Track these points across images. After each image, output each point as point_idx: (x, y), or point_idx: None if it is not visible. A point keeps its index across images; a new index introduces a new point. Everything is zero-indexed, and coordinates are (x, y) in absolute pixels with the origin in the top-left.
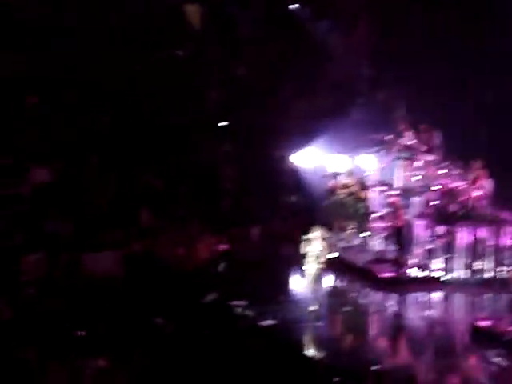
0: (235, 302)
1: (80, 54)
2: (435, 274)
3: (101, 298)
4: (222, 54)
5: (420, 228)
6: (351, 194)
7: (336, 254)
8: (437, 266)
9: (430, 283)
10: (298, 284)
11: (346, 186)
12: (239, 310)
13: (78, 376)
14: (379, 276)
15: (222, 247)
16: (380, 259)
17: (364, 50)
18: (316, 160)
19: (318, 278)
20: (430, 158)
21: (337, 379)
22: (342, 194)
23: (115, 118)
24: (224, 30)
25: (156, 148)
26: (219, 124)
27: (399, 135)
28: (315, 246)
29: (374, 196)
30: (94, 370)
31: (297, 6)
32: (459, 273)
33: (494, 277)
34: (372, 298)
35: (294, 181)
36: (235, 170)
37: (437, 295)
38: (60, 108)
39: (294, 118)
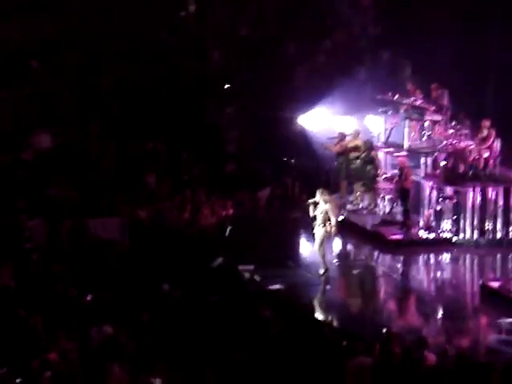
0: (243, 267)
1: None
2: (444, 236)
3: (107, 264)
4: (224, 13)
5: (429, 189)
6: (359, 155)
7: (344, 217)
8: (446, 227)
9: (439, 245)
10: (306, 247)
11: (353, 148)
12: (247, 274)
13: (85, 342)
14: (388, 238)
15: (229, 211)
16: (388, 221)
17: (369, 8)
18: (323, 122)
19: (325, 241)
20: (439, 117)
21: (345, 342)
22: (349, 155)
23: (117, 81)
24: None
25: (160, 112)
26: (223, 86)
27: (407, 95)
28: (322, 208)
29: (381, 157)
30: (100, 336)
31: None
32: (468, 234)
33: (504, 237)
34: (381, 260)
35: (301, 143)
36: (240, 132)
37: (446, 257)
38: (62, 72)
39: (300, 79)
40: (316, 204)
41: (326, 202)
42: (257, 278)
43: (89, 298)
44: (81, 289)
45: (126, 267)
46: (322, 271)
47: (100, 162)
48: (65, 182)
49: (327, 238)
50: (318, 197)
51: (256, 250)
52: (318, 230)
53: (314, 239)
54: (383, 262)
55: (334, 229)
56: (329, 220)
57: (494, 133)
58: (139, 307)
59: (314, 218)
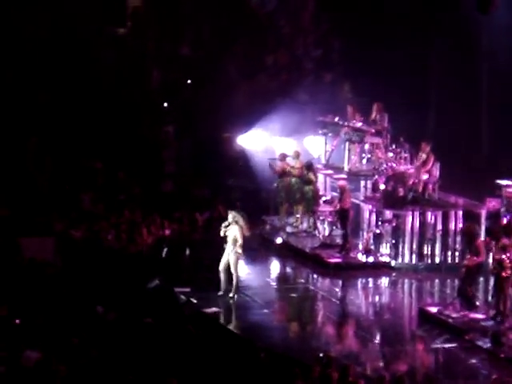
0: (179, 289)
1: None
2: (383, 259)
3: (40, 285)
4: (164, 32)
5: (368, 212)
6: (299, 177)
7: (282, 239)
8: (385, 251)
9: (378, 268)
10: (244, 270)
11: (293, 169)
12: (183, 296)
13: (17, 366)
14: (327, 261)
15: (166, 231)
16: (327, 244)
17: (312, 29)
18: (263, 142)
19: (237, 264)
20: (379, 140)
21: (283, 366)
22: (289, 177)
23: (55, 97)
24: (166, 7)
25: (97, 129)
26: (162, 104)
27: (347, 117)
28: (233, 230)
29: (321, 179)
30: (31, 360)
31: None
32: (407, 258)
33: (442, 262)
34: (319, 283)
35: (241, 163)
36: (179, 151)
37: (385, 281)
38: None
39: (240, 99)
40: (231, 225)
41: (236, 224)
42: (193, 300)
43: (17, 321)
44: (11, 311)
45: (58, 289)
46: (231, 294)
47: (35, 179)
48: None
49: (238, 260)
50: (231, 218)
51: (193, 272)
52: (230, 252)
53: (230, 260)
54: (322, 286)
55: (240, 250)
56: (239, 241)
57: (433, 157)
58: (71, 330)
59: (225, 239)
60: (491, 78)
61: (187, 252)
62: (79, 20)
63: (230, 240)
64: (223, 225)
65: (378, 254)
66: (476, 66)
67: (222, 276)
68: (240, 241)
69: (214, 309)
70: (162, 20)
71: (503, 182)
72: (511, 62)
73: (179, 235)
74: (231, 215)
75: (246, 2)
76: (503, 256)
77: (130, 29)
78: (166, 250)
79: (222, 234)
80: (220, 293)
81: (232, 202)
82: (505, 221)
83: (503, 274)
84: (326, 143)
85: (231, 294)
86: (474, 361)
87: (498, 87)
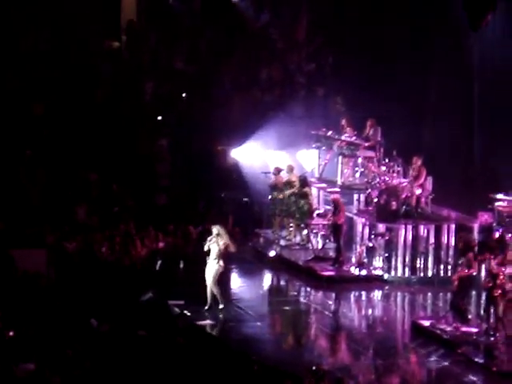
0: (173, 302)
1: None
2: (376, 273)
3: (33, 297)
4: (159, 46)
5: (361, 226)
6: (292, 190)
7: (276, 252)
8: (378, 264)
9: (371, 282)
10: (237, 283)
11: (287, 183)
12: (177, 309)
13: (11, 378)
14: (320, 274)
15: (160, 244)
16: (321, 257)
17: (305, 44)
18: (257, 156)
19: (218, 277)
20: (372, 154)
21: (276, 379)
22: (283, 190)
23: (49, 109)
24: (160, 21)
25: (91, 142)
26: (156, 117)
27: (340, 131)
28: (216, 244)
29: (315, 193)
30: (24, 373)
31: None
32: (400, 271)
33: (435, 275)
34: (313, 296)
35: (235, 176)
36: (173, 164)
37: (378, 294)
38: None
39: (235, 112)
40: (215, 238)
41: (220, 238)
42: (187, 313)
43: (11, 333)
44: (3, 323)
45: (51, 301)
46: (221, 306)
47: (28, 191)
48: None
49: (220, 274)
50: (215, 232)
51: (187, 285)
52: (212, 265)
53: (209, 274)
54: (315, 299)
55: (222, 263)
56: (221, 255)
57: (425, 171)
58: (65, 342)
59: (209, 252)
60: (483, 86)
61: (181, 265)
62: (74, 34)
63: (212, 253)
64: (208, 239)
65: (371, 268)
66: (471, 73)
67: (208, 290)
68: (222, 255)
69: (208, 321)
70: (157, 33)
71: (496, 196)
72: (503, 70)
73: (173, 248)
74: (215, 229)
75: (240, 16)
76: (499, 272)
77: (125, 42)
78: (159, 262)
79: (205, 248)
80: (206, 307)
81: (217, 217)
82: (497, 235)
83: (495, 291)
84: (319, 157)
85: (220, 306)
86: (466, 374)
87: (490, 95)
